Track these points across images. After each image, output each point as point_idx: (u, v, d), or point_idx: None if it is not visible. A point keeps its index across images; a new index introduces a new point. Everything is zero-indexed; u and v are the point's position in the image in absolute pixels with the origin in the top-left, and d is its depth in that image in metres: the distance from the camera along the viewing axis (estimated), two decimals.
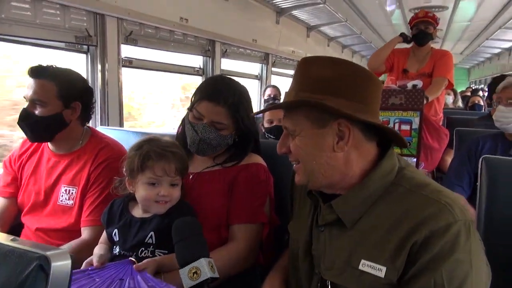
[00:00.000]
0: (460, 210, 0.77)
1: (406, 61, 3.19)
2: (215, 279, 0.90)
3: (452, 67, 3.14)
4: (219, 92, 1.29)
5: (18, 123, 1.46)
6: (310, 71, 0.87)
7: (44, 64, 1.49)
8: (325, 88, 0.84)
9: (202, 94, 1.31)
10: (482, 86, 10.85)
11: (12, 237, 0.54)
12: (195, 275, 0.86)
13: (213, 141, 1.28)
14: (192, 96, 1.35)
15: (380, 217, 0.83)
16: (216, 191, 1.30)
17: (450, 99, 5.43)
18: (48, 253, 0.48)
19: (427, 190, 0.81)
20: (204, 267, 0.86)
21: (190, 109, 1.33)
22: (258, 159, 1.38)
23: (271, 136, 2.45)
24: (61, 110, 1.49)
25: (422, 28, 3.06)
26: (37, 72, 1.46)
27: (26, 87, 1.46)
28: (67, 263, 0.49)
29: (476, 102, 4.67)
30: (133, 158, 1.17)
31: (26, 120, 1.45)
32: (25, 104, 1.47)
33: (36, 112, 1.45)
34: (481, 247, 0.79)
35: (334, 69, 0.84)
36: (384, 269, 0.78)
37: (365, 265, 0.80)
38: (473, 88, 9.03)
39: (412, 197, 0.81)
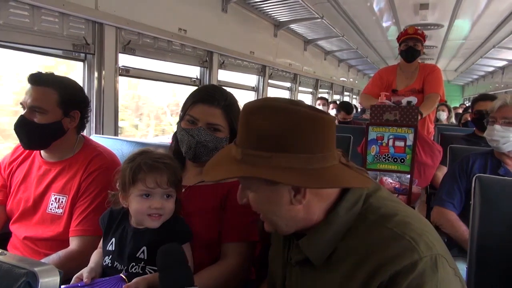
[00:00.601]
0: (425, 244, 0.74)
1: (395, 79, 3.21)
2: None
3: (442, 82, 3.17)
4: (212, 95, 1.31)
5: (15, 129, 1.45)
6: (253, 124, 0.79)
7: (44, 72, 1.49)
8: (271, 144, 0.76)
9: (195, 98, 1.31)
10: None
11: (0, 250, 0.53)
12: None
13: (209, 144, 1.27)
14: (182, 109, 1.35)
15: (347, 253, 0.80)
16: (208, 208, 1.27)
17: (444, 115, 5.48)
18: (36, 269, 0.47)
19: (392, 222, 0.78)
20: None
21: (181, 119, 1.33)
22: None
23: None
24: (60, 118, 1.48)
25: (411, 45, 3.09)
26: (38, 79, 1.45)
27: (25, 94, 1.45)
28: (55, 279, 0.48)
29: (469, 119, 4.72)
30: (125, 171, 1.15)
31: (25, 127, 1.44)
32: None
33: (35, 119, 1.44)
34: (453, 274, 0.76)
35: (277, 121, 0.76)
36: None
37: None
38: (467, 105, 9.13)
39: (377, 231, 0.77)
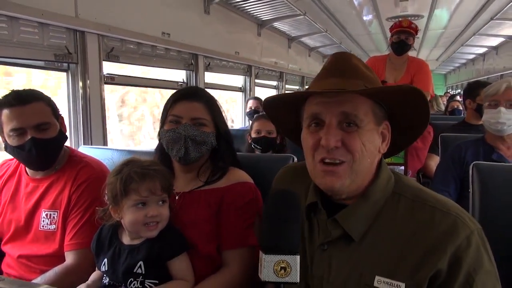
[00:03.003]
0: (469, 218, 0.78)
1: (384, 70, 3.24)
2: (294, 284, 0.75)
3: (431, 78, 3.23)
4: (191, 90, 1.35)
5: (28, 153, 1.38)
6: (359, 66, 0.86)
7: (21, 89, 1.44)
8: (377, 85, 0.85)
9: (176, 97, 1.30)
10: (459, 91, 11.16)
11: None
12: (282, 270, 0.70)
13: (198, 138, 1.25)
14: (162, 114, 1.33)
15: (390, 230, 0.80)
16: (204, 218, 1.24)
17: None
18: None
19: (431, 200, 0.80)
20: (297, 269, 0.70)
21: (163, 123, 1.31)
22: (243, 176, 1.33)
23: (258, 147, 2.43)
24: (59, 127, 1.48)
25: (403, 38, 3.10)
26: (26, 97, 1.40)
27: (10, 119, 1.37)
28: None
29: (456, 107, 4.79)
30: (114, 183, 1.12)
31: (44, 147, 1.40)
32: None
33: (46, 136, 1.41)
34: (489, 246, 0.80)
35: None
36: (403, 285, 0.76)
37: (381, 282, 0.77)
38: (451, 93, 9.27)
39: (422, 210, 0.79)
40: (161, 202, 1.15)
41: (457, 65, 10.91)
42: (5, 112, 1.38)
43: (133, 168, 1.12)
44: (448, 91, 12.02)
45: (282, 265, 0.69)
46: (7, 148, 1.43)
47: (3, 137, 1.43)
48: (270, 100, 0.94)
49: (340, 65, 0.85)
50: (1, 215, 1.52)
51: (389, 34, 3.30)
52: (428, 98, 3.10)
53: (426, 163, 2.95)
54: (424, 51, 8.59)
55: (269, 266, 0.69)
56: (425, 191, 0.84)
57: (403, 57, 3.20)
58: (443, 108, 5.77)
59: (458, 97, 5.60)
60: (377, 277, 0.78)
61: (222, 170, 1.31)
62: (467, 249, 0.74)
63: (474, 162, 1.28)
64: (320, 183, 0.83)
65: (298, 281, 0.69)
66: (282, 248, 0.70)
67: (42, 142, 1.39)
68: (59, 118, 1.50)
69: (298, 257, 0.69)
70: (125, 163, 1.16)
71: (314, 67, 7.60)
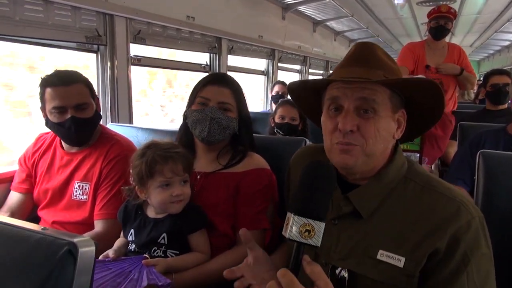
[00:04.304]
0: (472, 206, 0.84)
1: (425, 54, 3.24)
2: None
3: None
4: (221, 76, 1.44)
5: (68, 130, 1.51)
6: (382, 57, 0.89)
7: (63, 70, 1.55)
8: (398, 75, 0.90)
9: (205, 81, 1.38)
10: None
11: (41, 227, 0.61)
12: (307, 233, 0.72)
13: (222, 121, 1.32)
14: (191, 95, 1.41)
15: (396, 211, 0.86)
16: (222, 199, 1.33)
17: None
18: (75, 240, 0.55)
19: (441, 187, 0.86)
20: (320, 234, 0.72)
21: (191, 104, 1.39)
22: (260, 162, 1.40)
23: (280, 132, 2.51)
24: (95, 107, 1.59)
25: (442, 23, 3.12)
26: (69, 78, 1.51)
27: (53, 97, 1.49)
28: (92, 249, 0.56)
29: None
30: (139, 166, 1.21)
31: (82, 126, 1.53)
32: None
33: (85, 116, 1.53)
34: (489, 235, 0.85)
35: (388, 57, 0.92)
36: (403, 259, 0.82)
37: (383, 255, 0.84)
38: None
39: (429, 195, 0.86)
40: (183, 182, 1.24)
41: (491, 52, 10.44)
42: (49, 90, 1.50)
43: (156, 151, 1.21)
44: (481, 79, 11.54)
45: (308, 228, 0.72)
46: (48, 123, 1.56)
47: (44, 112, 1.55)
48: (294, 84, 1.01)
49: (363, 55, 0.89)
50: (38, 185, 1.67)
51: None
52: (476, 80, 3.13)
53: (446, 151, 2.94)
54: (457, 36, 8.26)
55: (296, 226, 0.72)
56: (436, 179, 0.89)
57: (441, 42, 3.24)
58: (472, 96, 5.62)
59: None
60: (380, 251, 0.84)
61: (242, 154, 1.39)
62: (466, 231, 0.79)
63: (481, 150, 1.30)
64: (337, 162, 0.89)
65: (319, 245, 0.72)
66: (310, 212, 0.73)
67: (81, 121, 1.52)
68: (95, 99, 1.62)
69: (323, 224, 0.72)
70: (147, 146, 1.24)
71: (339, 51, 7.48)
